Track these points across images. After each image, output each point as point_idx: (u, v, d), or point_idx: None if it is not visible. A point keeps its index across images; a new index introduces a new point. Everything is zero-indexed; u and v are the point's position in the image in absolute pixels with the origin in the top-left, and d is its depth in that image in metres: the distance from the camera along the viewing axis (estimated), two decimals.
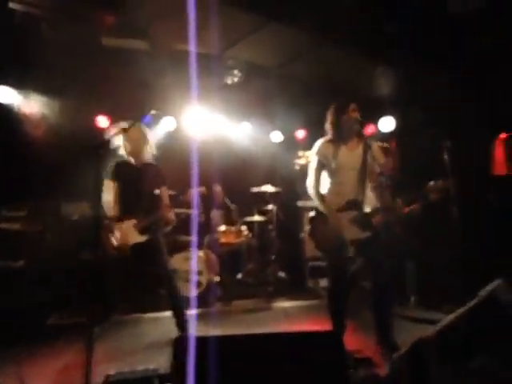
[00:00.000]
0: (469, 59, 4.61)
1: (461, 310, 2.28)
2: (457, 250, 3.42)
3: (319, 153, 2.84)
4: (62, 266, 3.92)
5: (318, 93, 5.19)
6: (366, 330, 2.83)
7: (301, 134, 6.11)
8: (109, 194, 3.16)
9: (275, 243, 5.20)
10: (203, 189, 3.48)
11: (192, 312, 3.96)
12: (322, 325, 3.10)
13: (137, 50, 4.67)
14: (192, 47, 4.09)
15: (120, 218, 3.19)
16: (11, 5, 3.24)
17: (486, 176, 5.13)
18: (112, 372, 2.26)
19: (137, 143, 3.22)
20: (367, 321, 2.80)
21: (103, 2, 3.23)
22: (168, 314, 3.33)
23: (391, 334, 2.64)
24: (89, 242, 3.66)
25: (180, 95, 4.95)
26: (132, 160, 3.26)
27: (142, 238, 3.17)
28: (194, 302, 4.13)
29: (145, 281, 4.05)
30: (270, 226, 5.23)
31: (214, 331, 3.40)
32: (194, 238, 4.44)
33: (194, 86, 4.07)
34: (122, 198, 3.21)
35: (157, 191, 3.26)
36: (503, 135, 5.42)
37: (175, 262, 4.36)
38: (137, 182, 3.17)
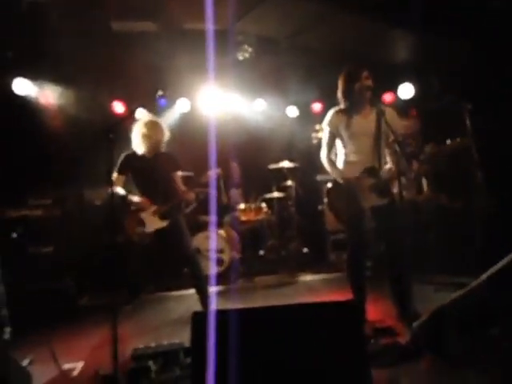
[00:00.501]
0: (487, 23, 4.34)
1: (483, 276, 2.24)
2: (480, 214, 3.33)
3: (330, 124, 2.79)
4: (88, 251, 4.08)
5: (331, 63, 5.01)
6: (388, 299, 2.81)
7: (317, 106, 5.98)
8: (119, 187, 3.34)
9: (295, 219, 5.21)
10: (219, 170, 3.51)
11: (215, 289, 4.07)
12: (344, 297, 3.10)
13: (147, 32, 4.65)
14: (208, 24, 4.04)
15: (138, 209, 3.35)
16: None
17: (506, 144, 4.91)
18: (140, 346, 2.37)
19: (154, 140, 3.32)
20: (389, 290, 2.78)
21: None
22: (192, 291, 3.43)
23: (411, 302, 2.61)
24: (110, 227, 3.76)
25: (193, 76, 4.93)
26: (145, 152, 3.35)
27: (163, 224, 3.30)
28: (217, 279, 4.24)
29: (168, 261, 4.16)
30: (290, 202, 5.22)
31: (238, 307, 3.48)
32: (213, 218, 4.50)
33: (208, 65, 4.06)
34: (138, 188, 3.37)
35: (171, 176, 3.39)
36: None
37: (197, 241, 4.46)
38: (150, 171, 3.30)
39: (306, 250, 5.17)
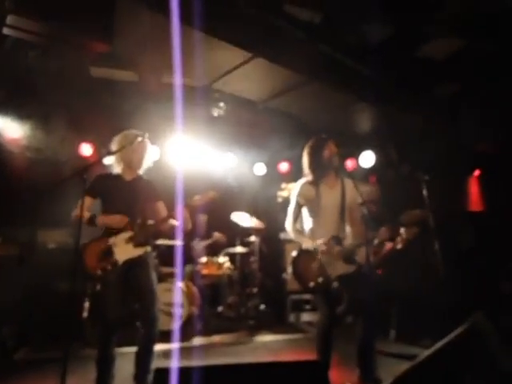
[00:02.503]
0: (441, 101, 4.90)
1: (440, 344, 2.29)
2: (436, 284, 3.47)
3: (299, 196, 2.84)
4: (35, 297, 3.76)
5: (302, 127, 5.35)
6: (349, 363, 2.78)
7: (284, 166, 6.21)
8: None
9: (257, 276, 5.15)
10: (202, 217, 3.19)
11: (172, 346, 3.82)
12: (304, 357, 3.03)
13: (124, 80, 4.76)
14: (178, 80, 4.21)
15: (106, 234, 2.78)
16: (5, 30, 3.26)
17: (462, 212, 5.31)
18: None
19: (132, 153, 2.84)
20: (350, 354, 2.76)
21: (93, 31, 3.30)
22: None
23: (374, 369, 2.59)
24: (64, 272, 3.43)
25: (166, 126, 5.02)
26: (121, 173, 2.88)
27: (136, 252, 2.74)
28: (174, 335, 4.00)
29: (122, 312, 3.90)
30: (252, 258, 5.19)
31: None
32: (178, 270, 4.34)
33: (179, 117, 4.16)
34: (107, 211, 2.80)
35: (152, 206, 2.91)
36: (477, 172, 5.67)
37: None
38: (126, 196, 2.81)
39: (263, 306, 5.06)
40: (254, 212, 5.42)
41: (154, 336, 2.67)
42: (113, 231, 2.77)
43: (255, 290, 5.05)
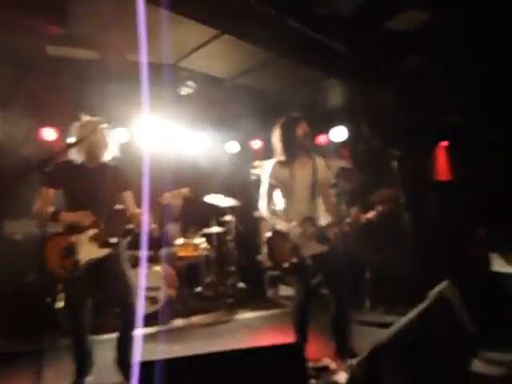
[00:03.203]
0: (410, 74, 4.93)
1: (412, 313, 2.39)
2: (407, 254, 3.59)
3: (271, 176, 2.82)
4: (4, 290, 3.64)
5: (272, 103, 5.27)
6: (326, 337, 2.87)
7: (256, 144, 6.16)
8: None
9: (234, 254, 5.18)
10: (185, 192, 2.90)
11: (149, 330, 3.83)
12: (283, 334, 3.11)
13: (86, 59, 4.51)
14: (143, 57, 4.03)
15: (68, 231, 2.59)
16: None
17: (430, 182, 5.47)
18: None
19: (95, 144, 2.64)
20: (327, 328, 2.84)
21: (48, 13, 3.07)
22: None
23: (348, 341, 2.69)
24: (33, 263, 3.29)
25: (133, 106, 4.83)
26: (84, 161, 2.67)
27: (101, 253, 2.59)
28: (151, 319, 4.00)
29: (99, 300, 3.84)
30: (229, 237, 5.20)
31: (174, 348, 3.31)
32: (145, 253, 4.27)
33: (146, 97, 4.00)
34: (69, 205, 2.62)
35: (119, 196, 2.73)
36: (445, 143, 5.80)
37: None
38: (89, 186, 2.61)
39: (242, 284, 5.13)
40: (228, 190, 5.39)
41: (132, 324, 2.64)
42: (76, 227, 2.57)
43: (233, 268, 5.10)
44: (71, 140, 2.62)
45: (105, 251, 2.61)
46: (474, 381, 2.33)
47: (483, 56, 4.44)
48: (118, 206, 2.70)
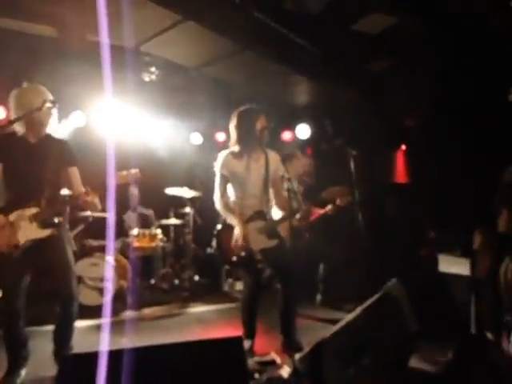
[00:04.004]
0: (373, 76, 5.03)
1: (358, 310, 2.45)
2: (360, 252, 3.68)
3: (223, 167, 2.76)
4: None
5: (238, 96, 5.22)
6: (275, 331, 2.88)
7: (221, 136, 6.09)
8: None
9: (191, 247, 5.11)
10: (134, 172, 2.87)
11: (101, 321, 3.71)
12: (234, 328, 3.09)
13: (41, 35, 4.27)
14: (104, 38, 3.85)
15: (7, 209, 2.39)
16: None
17: (387, 184, 5.63)
18: None
19: (37, 115, 2.40)
20: (276, 322, 2.86)
21: None
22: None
23: (295, 335, 2.72)
24: None
25: (92, 89, 4.62)
26: (26, 133, 2.47)
27: (42, 234, 2.41)
28: (101, 310, 3.88)
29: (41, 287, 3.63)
30: (187, 230, 5.12)
31: (124, 341, 3.21)
32: (110, 244, 4.13)
33: (106, 80, 3.83)
34: (9, 185, 2.43)
35: (64, 171, 2.53)
36: (403, 147, 5.99)
37: (81, 268, 4.06)
38: (30, 161, 2.42)
39: (197, 278, 5.08)
40: (189, 182, 5.30)
41: (72, 314, 2.50)
42: (15, 205, 2.38)
43: (189, 261, 5.03)
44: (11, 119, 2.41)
45: (46, 232, 2.42)
46: (412, 376, 2.42)
47: (444, 61, 4.60)
48: (62, 195, 2.53)
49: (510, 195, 2.80)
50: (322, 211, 3.89)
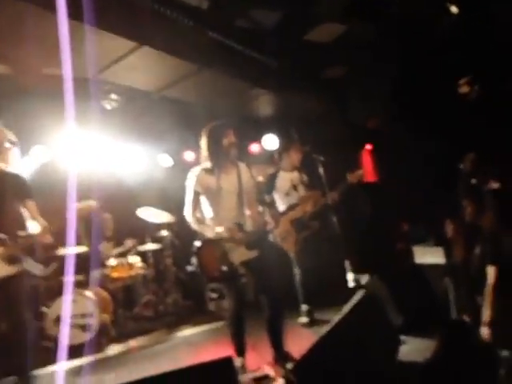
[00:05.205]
0: (331, 83, 5.20)
1: (342, 311, 2.48)
2: (337, 254, 3.75)
3: (196, 183, 2.79)
4: None
5: (201, 114, 5.25)
6: (265, 343, 2.87)
7: (189, 155, 6.08)
8: None
9: (172, 271, 5.04)
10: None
11: (86, 360, 3.59)
12: (224, 348, 3.06)
13: None
14: (65, 71, 3.80)
15: None
16: None
17: (358, 184, 5.77)
18: None
19: None
20: (265, 334, 2.85)
21: None
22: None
23: (283, 346, 2.73)
24: None
25: (53, 122, 4.55)
26: None
27: (7, 271, 2.33)
28: (84, 348, 3.75)
29: None
30: (166, 253, 5.06)
31: (106, 377, 3.11)
32: (72, 277, 4.00)
33: (68, 112, 3.77)
34: None
35: (20, 207, 2.53)
36: (369, 146, 6.18)
37: (59, 306, 3.92)
38: None
39: (183, 301, 4.98)
40: (163, 205, 5.25)
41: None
42: None
43: (171, 284, 4.95)
44: None
45: (10, 269, 2.36)
46: (400, 368, 2.46)
47: (398, 62, 4.81)
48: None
49: (469, 184, 2.95)
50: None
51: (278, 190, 3.99)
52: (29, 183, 2.62)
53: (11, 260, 2.37)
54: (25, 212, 2.53)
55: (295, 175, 4.02)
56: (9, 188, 2.47)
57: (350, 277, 3.59)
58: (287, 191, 3.96)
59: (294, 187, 3.98)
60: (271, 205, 3.03)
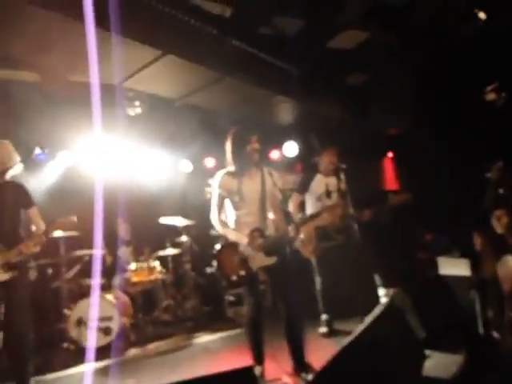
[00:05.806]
0: (353, 90, 5.15)
1: (365, 322, 2.42)
2: (358, 263, 3.67)
3: (221, 186, 2.82)
4: None
5: (223, 121, 5.29)
6: (284, 353, 2.83)
7: (210, 162, 6.14)
8: None
9: (191, 276, 5.06)
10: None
11: (106, 363, 3.62)
12: (243, 355, 3.03)
13: (23, 81, 4.32)
14: (89, 77, 3.90)
15: None
16: None
17: (379, 192, 5.68)
18: None
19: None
20: (284, 344, 2.81)
21: None
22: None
23: (304, 356, 2.68)
24: None
25: (77, 128, 4.66)
26: None
27: (5, 276, 2.46)
28: (104, 351, 3.79)
29: None
30: (185, 259, 5.08)
31: (127, 382, 3.13)
32: (96, 281, 4.07)
33: (94, 117, 3.86)
34: None
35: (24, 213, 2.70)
36: (391, 154, 6.09)
37: (80, 309, 3.99)
38: None
39: (202, 307, 4.98)
40: (183, 210, 5.29)
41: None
42: None
43: (190, 290, 4.96)
44: None
45: (8, 275, 2.48)
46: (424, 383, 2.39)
47: (422, 69, 4.73)
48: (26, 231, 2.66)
49: (497, 193, 2.85)
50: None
51: (311, 192, 3.87)
52: (30, 192, 2.77)
53: (6, 267, 2.48)
54: (26, 219, 2.69)
55: (332, 181, 3.85)
56: (9, 198, 2.62)
57: (382, 292, 3.50)
58: (319, 196, 3.83)
59: (328, 193, 3.83)
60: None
